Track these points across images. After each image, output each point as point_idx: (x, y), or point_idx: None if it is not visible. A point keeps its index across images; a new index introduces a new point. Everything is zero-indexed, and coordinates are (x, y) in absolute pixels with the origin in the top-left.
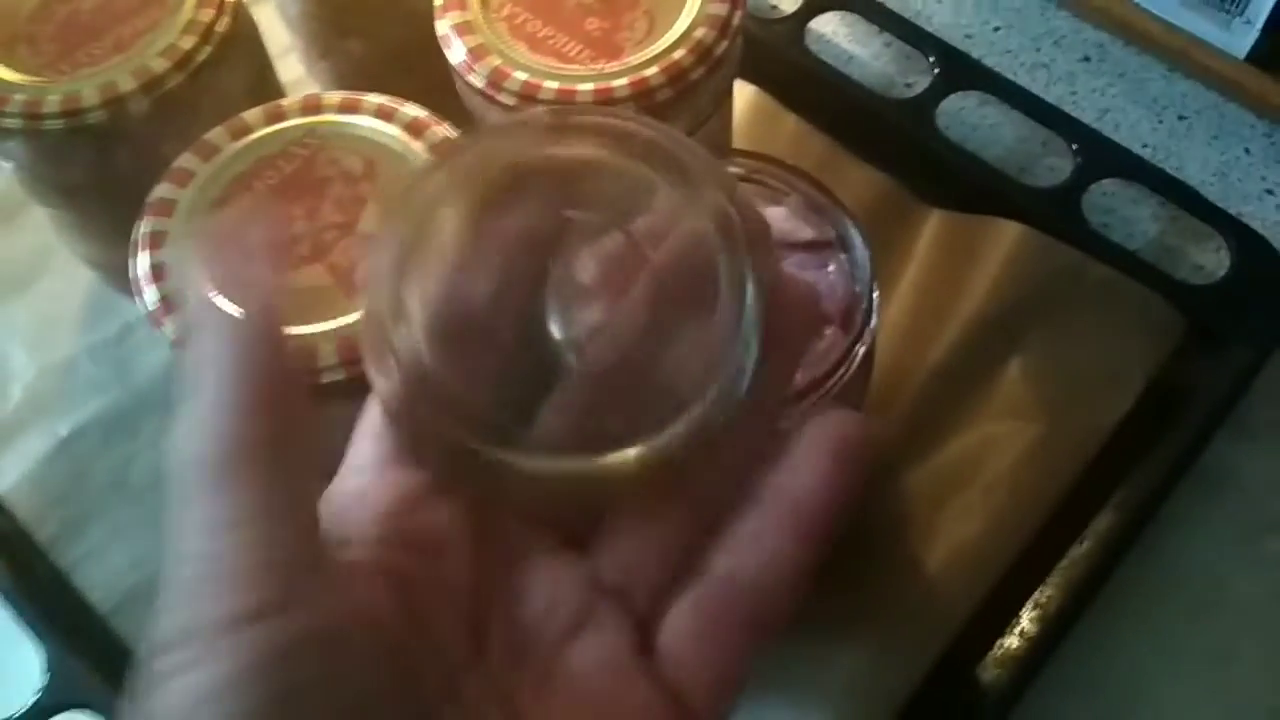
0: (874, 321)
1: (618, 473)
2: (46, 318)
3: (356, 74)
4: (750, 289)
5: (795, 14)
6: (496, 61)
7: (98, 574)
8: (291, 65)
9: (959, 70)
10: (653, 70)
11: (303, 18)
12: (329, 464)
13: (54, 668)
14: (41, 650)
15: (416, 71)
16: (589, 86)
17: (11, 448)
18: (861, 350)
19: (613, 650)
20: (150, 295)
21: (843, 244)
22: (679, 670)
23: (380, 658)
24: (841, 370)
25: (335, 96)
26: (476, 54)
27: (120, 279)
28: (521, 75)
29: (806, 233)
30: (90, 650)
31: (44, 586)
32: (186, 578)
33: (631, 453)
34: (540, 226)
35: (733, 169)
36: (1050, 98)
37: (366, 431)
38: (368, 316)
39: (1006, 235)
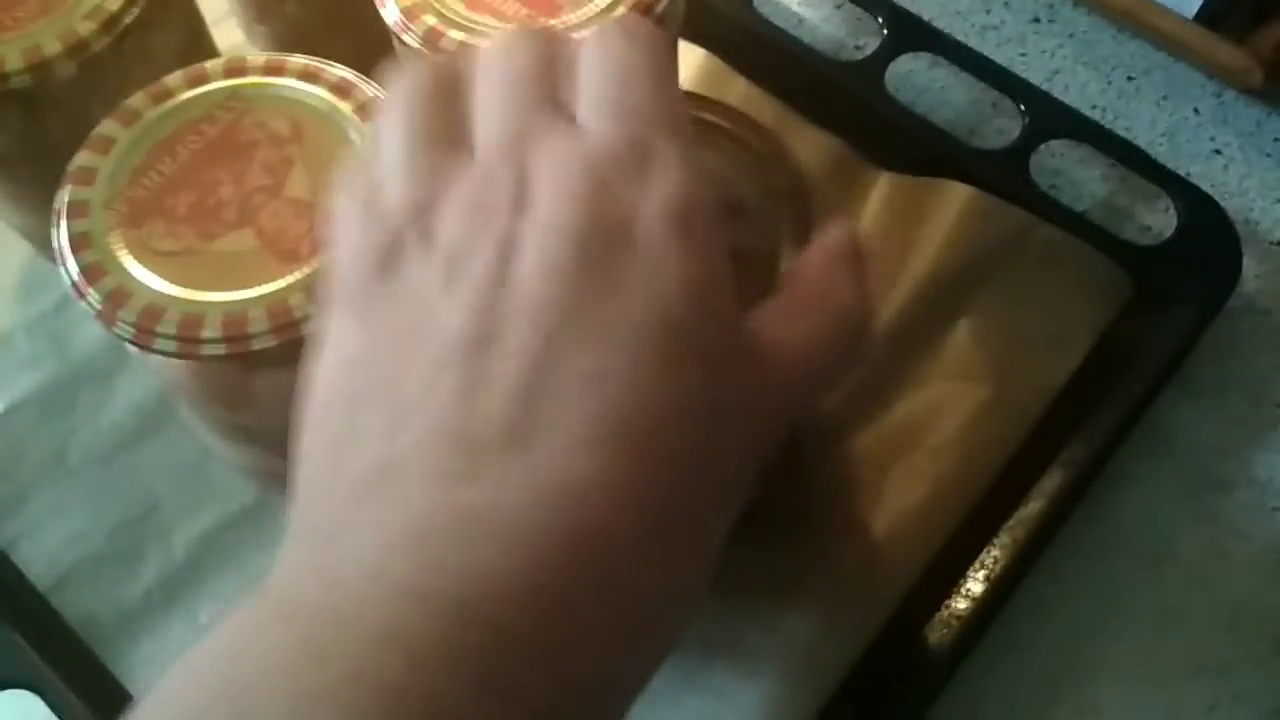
0: None
1: None
2: None
3: (294, 37)
4: None
5: None
6: (432, 21)
7: (36, 551)
8: (230, 31)
9: (908, 31)
10: (593, 28)
11: None
12: (263, 428)
13: None
14: None
15: (354, 32)
16: None
17: None
18: None
19: None
20: (73, 265)
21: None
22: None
23: None
24: None
25: (260, 59)
26: (411, 14)
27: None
28: (457, 35)
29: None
30: (29, 628)
31: None
32: None
33: None
34: None
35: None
36: (1000, 59)
37: None
38: None
39: (955, 197)
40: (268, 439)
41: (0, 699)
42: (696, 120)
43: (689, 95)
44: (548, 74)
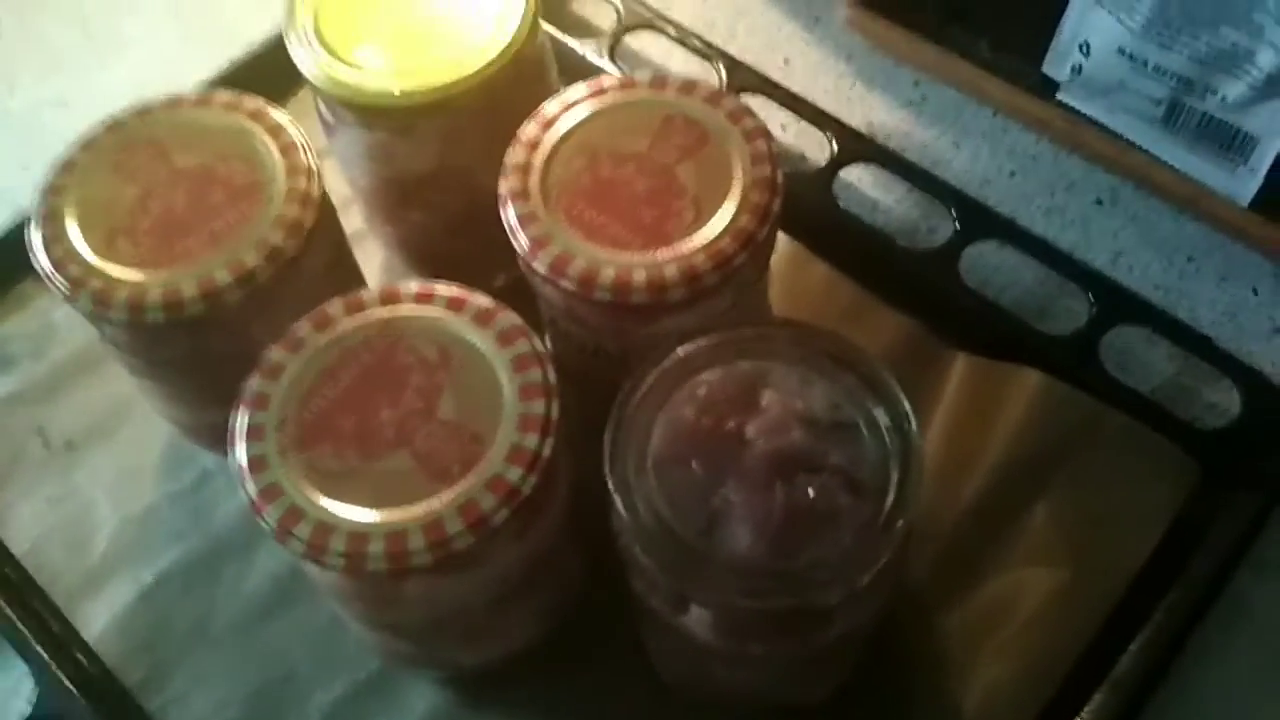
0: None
1: None
2: (128, 467)
3: (416, 237)
4: None
5: (825, 167)
6: (558, 250)
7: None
8: (353, 217)
9: (978, 221)
10: (700, 258)
11: (371, 191)
12: (406, 624)
13: None
14: None
15: (471, 237)
16: (642, 274)
17: (99, 596)
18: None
19: None
20: (251, 486)
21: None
22: None
23: None
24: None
25: (411, 288)
26: (539, 243)
27: (198, 435)
28: (581, 263)
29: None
30: None
31: None
32: None
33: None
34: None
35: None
36: (1065, 240)
37: None
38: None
39: (1028, 384)
40: (406, 631)
41: None
42: (802, 345)
43: (793, 324)
44: None
